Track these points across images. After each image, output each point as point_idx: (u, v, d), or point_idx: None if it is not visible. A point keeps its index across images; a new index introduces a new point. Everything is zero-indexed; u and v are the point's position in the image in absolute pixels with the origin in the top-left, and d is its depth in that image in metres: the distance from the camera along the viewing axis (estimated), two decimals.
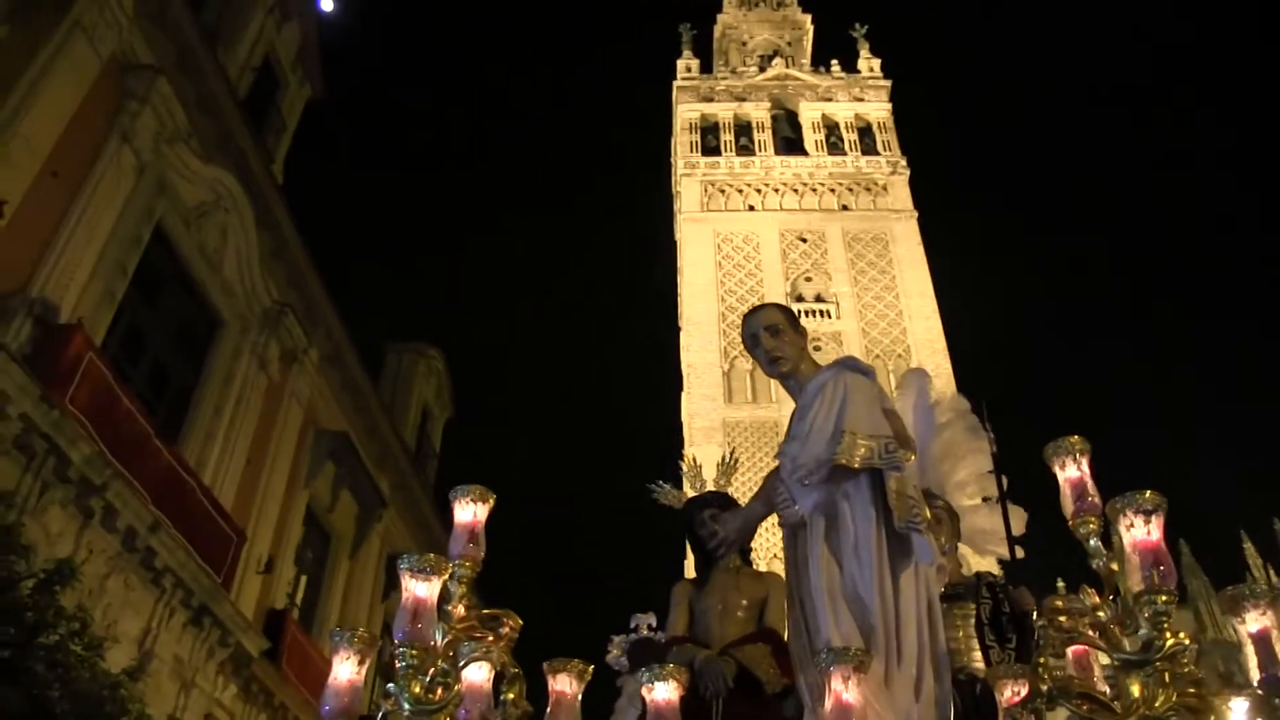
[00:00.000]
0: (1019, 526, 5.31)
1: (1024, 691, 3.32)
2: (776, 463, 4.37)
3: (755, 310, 4.79)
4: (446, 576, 3.46)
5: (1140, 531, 3.11)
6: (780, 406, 52.01)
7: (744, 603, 5.06)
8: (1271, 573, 64.64)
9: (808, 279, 56.31)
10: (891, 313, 55.05)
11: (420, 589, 3.34)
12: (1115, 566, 3.29)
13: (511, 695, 3.45)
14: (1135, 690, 3.02)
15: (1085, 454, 3.51)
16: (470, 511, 3.76)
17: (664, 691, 3.27)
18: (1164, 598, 3.04)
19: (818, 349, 54.00)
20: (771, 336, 4.55)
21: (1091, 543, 3.38)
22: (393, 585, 20.63)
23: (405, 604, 3.32)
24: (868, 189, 59.30)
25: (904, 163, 60.34)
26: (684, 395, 55.45)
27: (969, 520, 5.25)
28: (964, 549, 5.25)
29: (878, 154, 60.67)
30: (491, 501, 3.81)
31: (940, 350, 53.33)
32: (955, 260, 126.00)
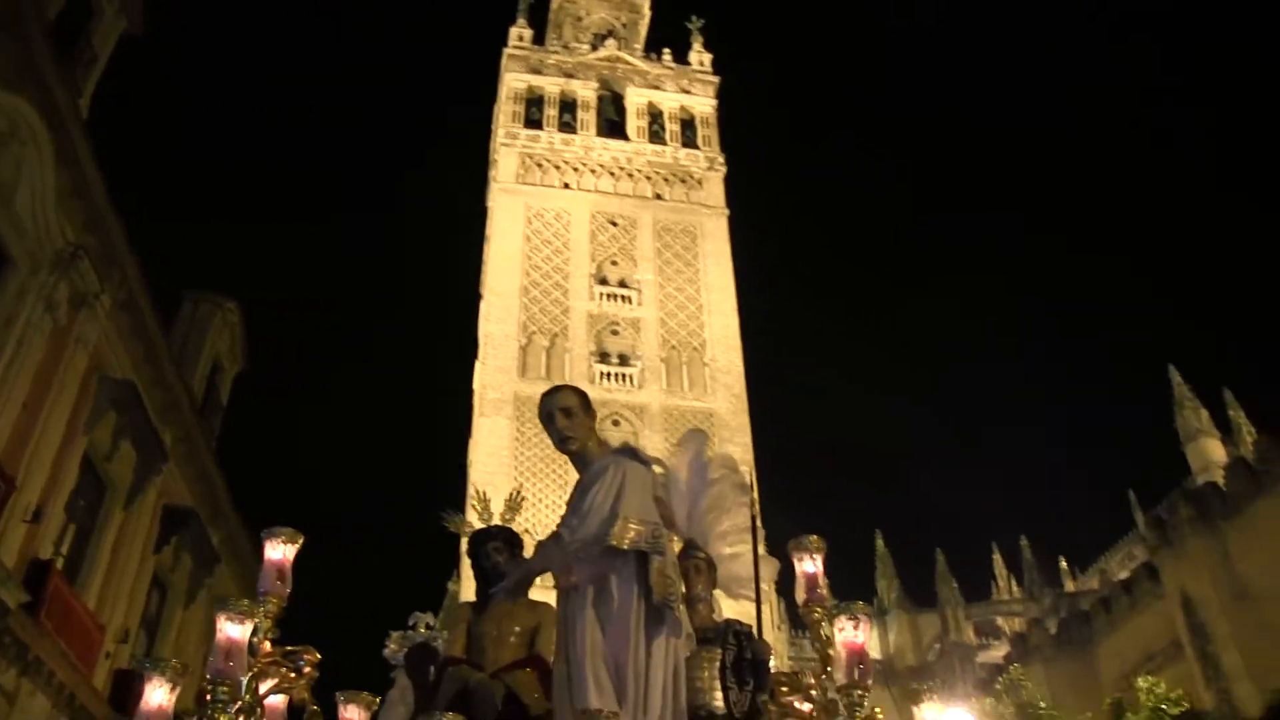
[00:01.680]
0: (770, 575, 6.05)
1: None
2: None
3: (553, 391, 5.43)
4: (258, 620, 3.87)
5: (849, 634, 3.90)
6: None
7: (517, 629, 5.62)
8: (1014, 583, 70.07)
9: (614, 263, 57.13)
10: (692, 305, 56.47)
11: (234, 630, 3.76)
12: (830, 653, 4.05)
13: None
14: None
15: (820, 552, 4.32)
16: (280, 551, 4.18)
17: None
18: (860, 692, 3.80)
19: (615, 332, 55.03)
20: (565, 417, 5.22)
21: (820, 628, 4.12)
22: (166, 539, 20.31)
23: (219, 643, 3.74)
24: (683, 181, 60.49)
25: (721, 160, 61.81)
26: (478, 365, 55.51)
27: (726, 568, 5.96)
28: (719, 594, 5.95)
29: (697, 148, 61.91)
30: (300, 542, 4.24)
31: (734, 348, 55.16)
32: (760, 261, 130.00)
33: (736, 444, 51.80)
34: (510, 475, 49.86)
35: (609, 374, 53.46)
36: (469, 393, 57.09)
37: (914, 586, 63.01)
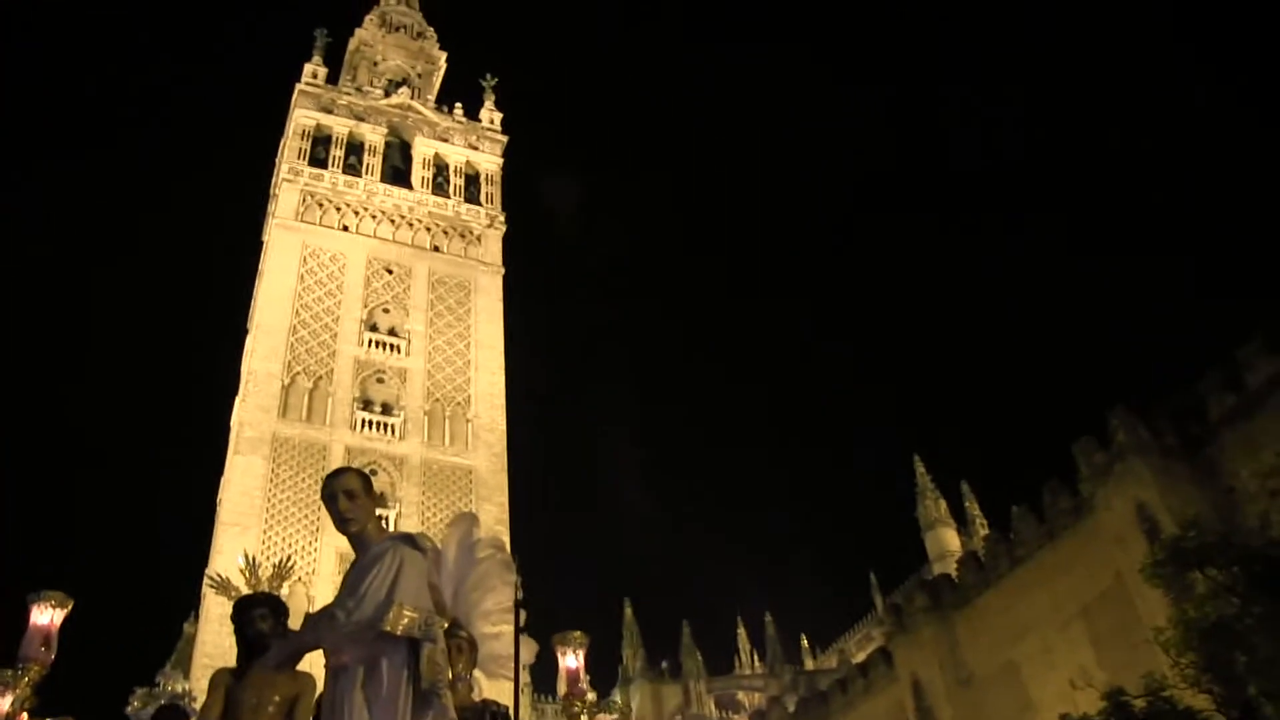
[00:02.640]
0: (529, 656, 6.23)
1: None
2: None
3: (338, 473, 5.61)
4: (24, 690, 3.78)
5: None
6: (333, 430, 51.52)
7: (276, 699, 5.62)
8: (756, 657, 72.16)
9: (386, 310, 56.42)
10: (460, 360, 56.29)
11: None
12: None
13: None
14: None
15: (584, 647, 4.61)
16: (48, 615, 4.08)
17: None
18: None
19: (380, 380, 54.14)
20: (347, 499, 5.41)
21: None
22: None
23: None
24: (462, 235, 60.54)
25: (503, 218, 62.26)
26: (238, 402, 53.39)
27: (487, 647, 6.14)
28: (478, 674, 6.10)
29: (480, 204, 62.20)
30: (70, 606, 4.15)
31: (499, 406, 55.24)
32: (531, 322, 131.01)
33: (494, 503, 51.72)
34: (261, 516, 48.05)
35: (371, 422, 52.52)
36: (224, 429, 54.78)
37: (659, 656, 64.06)
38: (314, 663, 5.79)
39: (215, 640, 44.24)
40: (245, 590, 5.95)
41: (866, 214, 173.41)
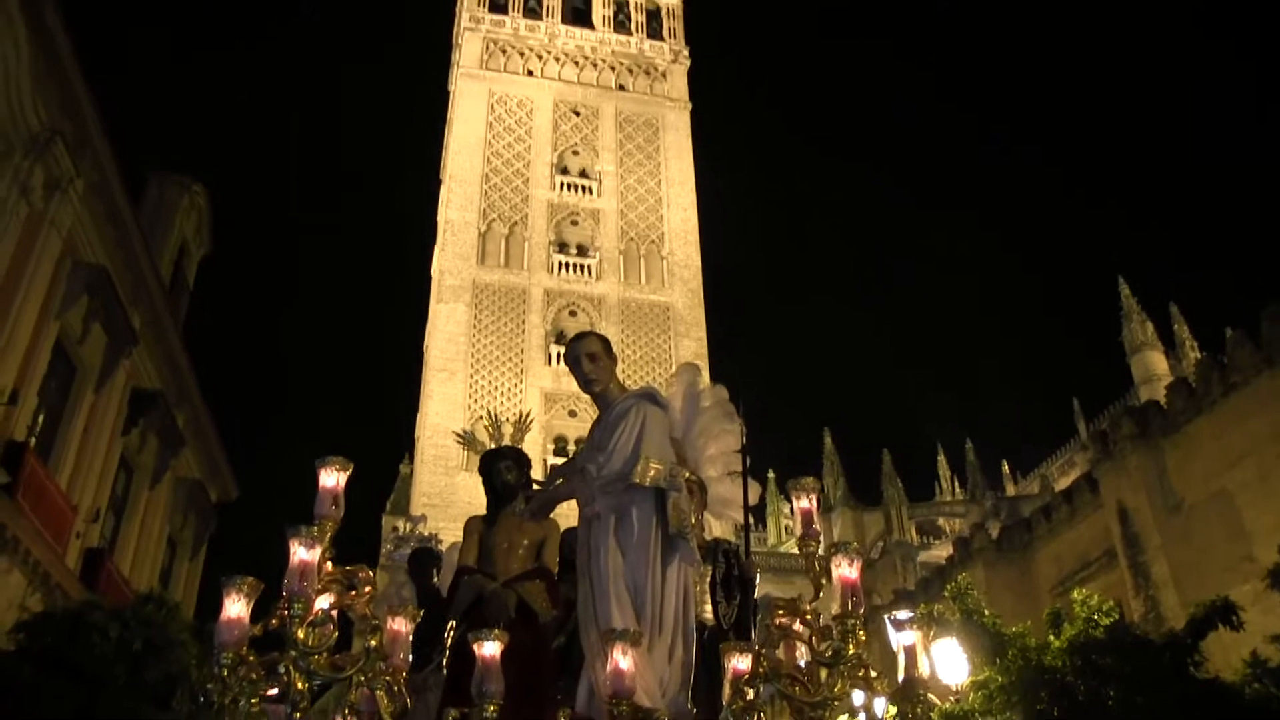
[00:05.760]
0: (754, 498, 6.53)
1: (747, 665, 4.53)
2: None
3: (579, 337, 5.94)
4: (324, 544, 4.28)
5: (845, 570, 4.42)
6: (530, 274, 52.96)
7: (526, 543, 6.09)
8: (957, 484, 72.09)
9: (575, 152, 56.81)
10: (651, 198, 56.41)
11: (304, 553, 4.17)
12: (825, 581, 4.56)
13: (374, 643, 4.33)
14: (824, 677, 4.31)
15: (815, 491, 4.82)
16: (334, 478, 4.59)
17: (491, 649, 4.26)
18: (853, 621, 4.31)
19: (574, 223, 54.84)
20: (590, 362, 5.75)
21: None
22: (134, 421, 20.52)
23: (293, 565, 4.15)
24: (647, 72, 59.89)
25: (686, 52, 61.13)
26: (437, 251, 55.32)
27: (714, 490, 6.45)
28: (707, 515, 6.44)
29: (662, 39, 61.16)
30: (350, 470, 4.65)
31: (692, 242, 55.40)
32: (721, 156, 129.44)
33: (692, 338, 52.48)
34: (467, 361, 50.24)
35: (567, 264, 53.57)
36: (428, 279, 57.02)
37: (860, 485, 64.68)
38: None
39: (430, 480, 47.12)
40: (489, 443, 6.42)
41: (1075, 22, 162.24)
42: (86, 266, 17.64)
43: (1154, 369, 55.84)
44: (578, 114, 57.60)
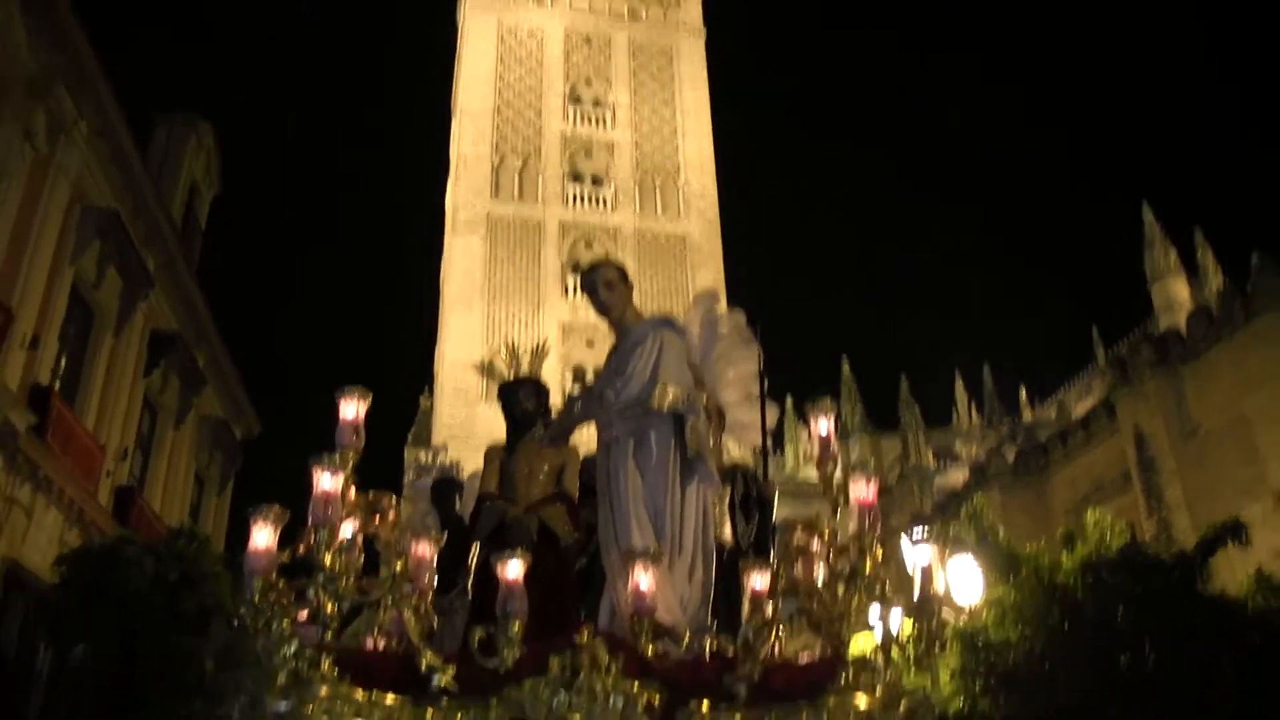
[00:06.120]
0: (771, 421, 6.61)
1: (765, 583, 4.62)
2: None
3: (595, 266, 6.05)
4: (347, 471, 4.38)
5: (862, 491, 4.51)
6: (545, 206, 52.76)
7: (546, 469, 6.17)
8: (974, 410, 72.09)
9: (588, 83, 56.27)
10: (666, 128, 55.92)
11: (328, 481, 4.27)
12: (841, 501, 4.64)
13: (399, 566, 4.44)
14: (841, 593, 4.41)
15: (832, 412, 4.88)
16: (353, 408, 4.68)
17: (514, 569, 4.36)
18: (870, 538, 4.39)
19: (588, 154, 54.44)
20: (607, 289, 5.86)
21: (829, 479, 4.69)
22: (154, 363, 20.72)
23: (317, 494, 4.25)
24: (660, 0, 59.04)
25: None
26: (450, 185, 55.12)
27: (732, 415, 6.51)
28: (725, 438, 6.51)
29: None
30: (370, 399, 4.74)
31: (708, 172, 55.03)
32: (736, 84, 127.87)
33: (708, 268, 52.35)
34: (483, 293, 50.30)
35: (582, 196, 53.36)
36: (442, 213, 56.90)
37: (877, 411, 64.81)
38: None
39: (451, 412, 47.47)
40: (507, 373, 6.48)
41: None
42: (97, 211, 17.67)
43: (1175, 296, 55.38)
44: (589, 43, 56.95)
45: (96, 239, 17.76)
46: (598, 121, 55.10)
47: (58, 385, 16.78)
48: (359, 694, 4.18)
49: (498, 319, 49.43)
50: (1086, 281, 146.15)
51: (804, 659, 4.84)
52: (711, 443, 5.67)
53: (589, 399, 5.94)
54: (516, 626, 4.24)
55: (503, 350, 6.61)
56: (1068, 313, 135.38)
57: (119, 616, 12.70)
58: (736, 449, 6.96)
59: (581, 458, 6.32)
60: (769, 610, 4.55)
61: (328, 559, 4.20)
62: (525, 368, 6.45)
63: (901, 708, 4.32)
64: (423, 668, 4.30)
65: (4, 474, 14.74)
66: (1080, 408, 49.48)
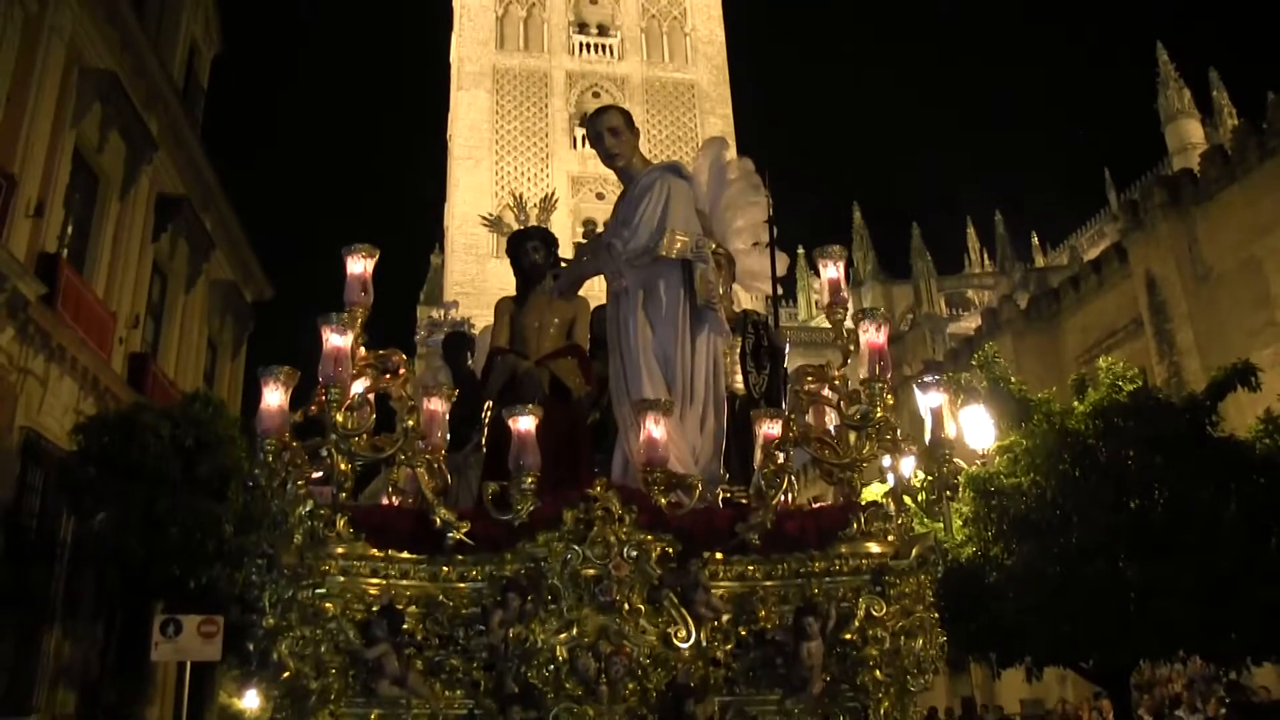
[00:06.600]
0: (782, 269, 6.51)
1: (777, 430, 4.62)
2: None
3: (599, 112, 5.85)
4: (355, 329, 4.34)
5: (872, 335, 4.46)
6: (551, 56, 51.67)
7: (556, 321, 6.12)
8: (986, 256, 71.64)
9: None
10: None
11: (337, 340, 4.24)
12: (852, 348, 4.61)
13: (411, 422, 4.44)
14: (852, 441, 4.40)
15: (842, 259, 4.80)
16: (360, 265, 4.62)
17: (526, 423, 4.36)
18: (880, 385, 4.36)
19: (593, 1, 53.07)
20: (612, 136, 5.68)
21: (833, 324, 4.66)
22: (162, 228, 20.59)
23: (327, 352, 4.23)
24: None
25: None
26: (454, 37, 53.88)
27: (742, 263, 6.43)
28: (736, 288, 6.44)
29: None
30: (377, 255, 4.68)
31: (716, 18, 53.68)
32: None
33: (717, 115, 51.49)
34: (491, 148, 49.74)
35: (588, 45, 52.25)
36: (447, 67, 55.81)
37: (889, 259, 64.50)
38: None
39: (462, 268, 47.43)
40: (515, 225, 6.38)
41: None
42: (95, 73, 17.31)
43: (1189, 137, 54.36)
44: None
45: (97, 102, 17.45)
46: None
47: (65, 253, 16.70)
48: (375, 552, 4.23)
49: (506, 173, 48.98)
50: (1100, 124, 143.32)
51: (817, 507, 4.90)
52: (721, 291, 5.62)
53: (597, 249, 5.83)
54: (530, 480, 4.26)
55: (510, 202, 6.50)
56: (1081, 157, 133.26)
57: (138, 483, 12.90)
58: (747, 298, 6.88)
59: (592, 309, 6.27)
60: (781, 458, 4.57)
61: (339, 417, 4.20)
62: (533, 219, 6.35)
63: (913, 554, 4.36)
64: (437, 524, 4.34)
65: (16, 344, 14.77)
66: (1093, 253, 49.21)
